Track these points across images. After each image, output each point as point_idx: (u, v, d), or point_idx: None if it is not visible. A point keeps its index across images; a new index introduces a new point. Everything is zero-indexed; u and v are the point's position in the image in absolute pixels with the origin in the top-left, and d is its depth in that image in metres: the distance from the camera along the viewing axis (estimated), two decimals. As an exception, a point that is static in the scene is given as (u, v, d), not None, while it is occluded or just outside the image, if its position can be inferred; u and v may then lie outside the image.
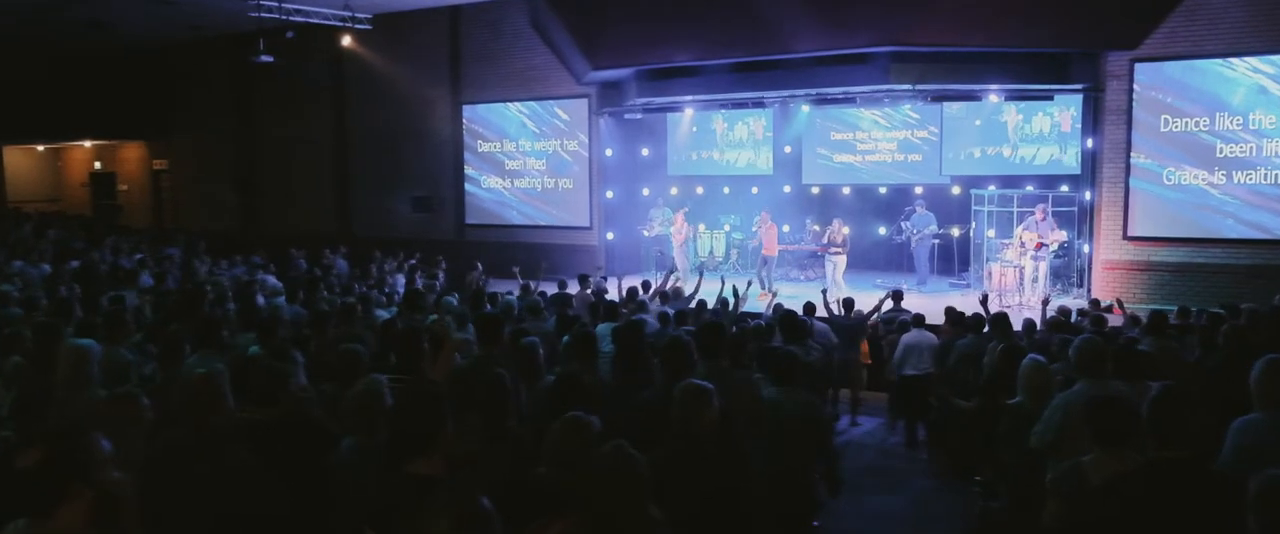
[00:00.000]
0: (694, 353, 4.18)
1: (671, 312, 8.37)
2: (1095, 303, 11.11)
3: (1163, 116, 12.59)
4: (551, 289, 10.75)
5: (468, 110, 18.23)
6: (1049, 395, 4.48)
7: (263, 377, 3.82)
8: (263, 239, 17.98)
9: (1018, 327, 8.39)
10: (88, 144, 24.43)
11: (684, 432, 3.53)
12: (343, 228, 19.72)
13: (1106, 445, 3.47)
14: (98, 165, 24.90)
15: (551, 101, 17.17)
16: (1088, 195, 13.34)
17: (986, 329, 7.90)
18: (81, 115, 21.57)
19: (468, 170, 18.43)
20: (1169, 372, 5.63)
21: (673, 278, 12.69)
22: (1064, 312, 9.79)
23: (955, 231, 15.23)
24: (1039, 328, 8.71)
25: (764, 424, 4.23)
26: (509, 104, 17.65)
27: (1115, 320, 9.85)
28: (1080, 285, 13.57)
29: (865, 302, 10.23)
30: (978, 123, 15.18)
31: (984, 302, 9.02)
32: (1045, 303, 9.34)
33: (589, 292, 10.92)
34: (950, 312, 8.81)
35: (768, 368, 4.72)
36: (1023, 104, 14.35)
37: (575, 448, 3.16)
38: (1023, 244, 12.86)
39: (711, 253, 17.42)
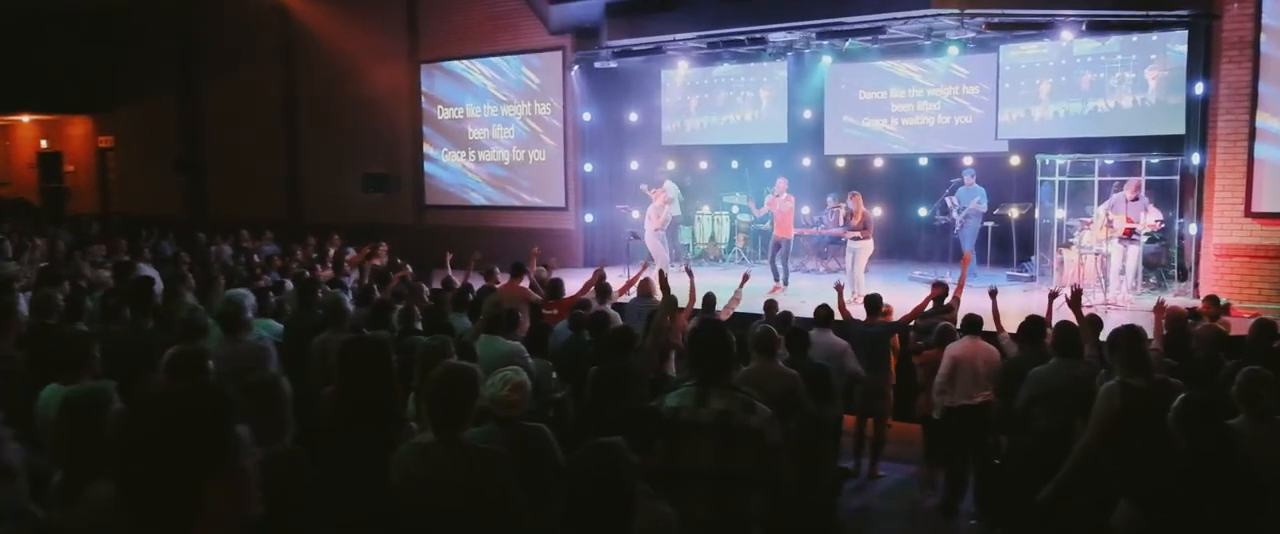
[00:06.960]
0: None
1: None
2: (1212, 300, 7.92)
3: (1303, 51, 9.36)
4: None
5: (426, 71, 15.54)
6: None
7: None
8: (208, 224, 15.46)
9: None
10: (26, 119, 21.98)
11: None
12: (293, 212, 17.19)
13: None
14: (44, 144, 22.46)
15: (520, 56, 14.43)
16: (1195, 160, 10.13)
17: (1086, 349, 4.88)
18: (18, 86, 19.06)
19: (425, 148, 15.71)
20: None
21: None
22: (1175, 312, 6.69)
23: (1014, 212, 12.04)
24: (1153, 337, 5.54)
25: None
26: (472, 61, 14.95)
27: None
28: (1182, 278, 10.38)
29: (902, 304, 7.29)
30: (1045, 83, 11.82)
31: (1075, 301, 5.88)
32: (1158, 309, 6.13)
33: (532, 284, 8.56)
34: (1033, 322, 5.64)
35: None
36: (1107, 41, 11.06)
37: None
38: (1110, 224, 9.73)
39: (713, 239, 14.37)
